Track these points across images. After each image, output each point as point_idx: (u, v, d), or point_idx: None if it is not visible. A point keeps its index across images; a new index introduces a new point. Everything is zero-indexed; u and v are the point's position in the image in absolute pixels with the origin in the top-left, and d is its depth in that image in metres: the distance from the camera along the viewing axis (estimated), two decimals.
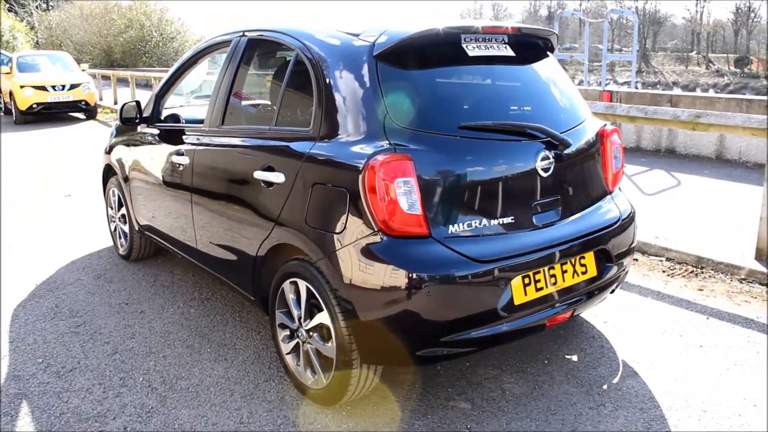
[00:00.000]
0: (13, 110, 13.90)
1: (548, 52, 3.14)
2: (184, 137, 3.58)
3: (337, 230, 2.46)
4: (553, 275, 2.67)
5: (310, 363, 2.75)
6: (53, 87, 13.65)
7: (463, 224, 2.46)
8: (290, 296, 2.78)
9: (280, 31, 3.04)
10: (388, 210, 2.33)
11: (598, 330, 3.45)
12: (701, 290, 4.03)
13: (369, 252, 2.37)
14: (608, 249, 2.90)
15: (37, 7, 38.99)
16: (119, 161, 4.47)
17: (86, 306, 3.92)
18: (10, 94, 13.93)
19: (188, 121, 3.98)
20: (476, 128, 2.55)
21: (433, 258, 2.37)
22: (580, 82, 12.27)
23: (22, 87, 13.41)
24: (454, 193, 2.47)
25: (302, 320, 2.73)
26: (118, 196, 4.63)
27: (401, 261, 2.34)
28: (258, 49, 3.32)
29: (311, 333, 2.69)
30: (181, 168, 3.55)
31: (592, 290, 2.84)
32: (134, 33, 30.66)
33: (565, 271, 2.72)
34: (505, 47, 2.85)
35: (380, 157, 2.34)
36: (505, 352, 3.18)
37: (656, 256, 4.66)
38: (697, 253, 4.51)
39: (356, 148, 2.44)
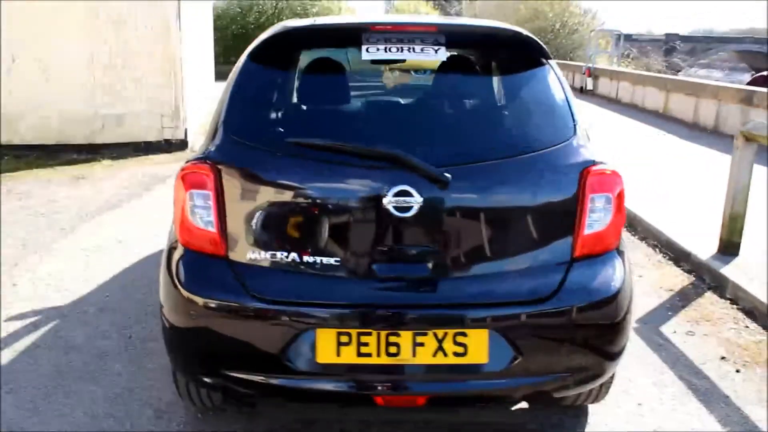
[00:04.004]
0: None
1: (542, 59, 2.40)
2: None
3: (169, 233, 2.49)
4: (395, 344, 2.16)
5: None
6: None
7: (267, 254, 2.22)
8: None
9: None
10: (181, 221, 2.29)
11: None
12: None
13: (168, 260, 2.37)
14: (513, 333, 2.14)
15: None
16: None
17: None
18: None
19: None
20: (306, 146, 2.20)
21: (209, 282, 2.26)
22: None
23: None
24: (266, 218, 2.24)
25: None
26: None
27: (180, 277, 2.29)
28: None
29: None
30: None
31: (473, 381, 2.18)
32: (540, 23, 31.42)
33: (420, 344, 2.15)
34: (435, 50, 2.30)
35: (185, 167, 2.27)
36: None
37: None
38: None
39: (192, 155, 2.40)
